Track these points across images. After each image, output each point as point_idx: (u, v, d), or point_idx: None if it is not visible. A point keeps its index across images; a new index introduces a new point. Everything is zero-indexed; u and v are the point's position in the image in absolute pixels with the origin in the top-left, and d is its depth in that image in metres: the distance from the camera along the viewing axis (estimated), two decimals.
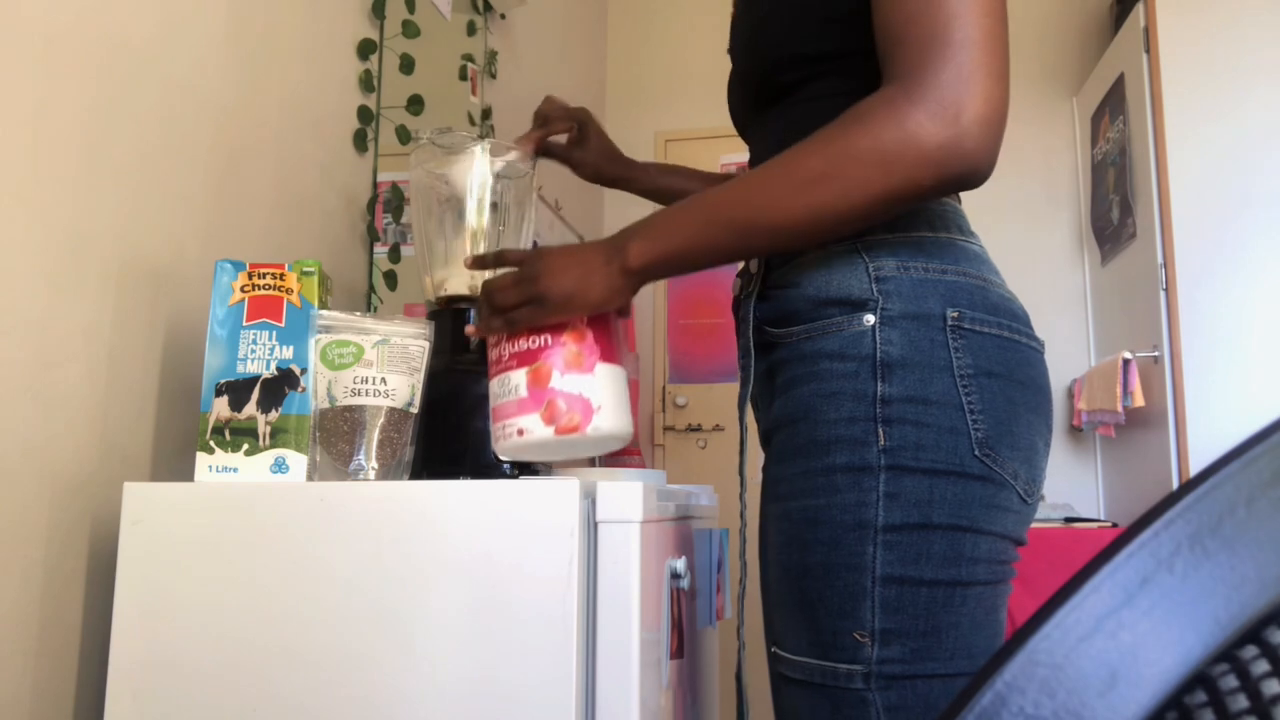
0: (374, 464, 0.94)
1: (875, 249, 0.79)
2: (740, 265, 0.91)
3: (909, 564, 0.73)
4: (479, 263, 0.92)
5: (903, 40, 0.71)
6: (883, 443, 0.74)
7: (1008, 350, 0.78)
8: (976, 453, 0.74)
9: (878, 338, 0.76)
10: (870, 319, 0.77)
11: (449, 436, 1.04)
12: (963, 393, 0.75)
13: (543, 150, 1.18)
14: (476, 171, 1.16)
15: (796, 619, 0.78)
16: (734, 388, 3.21)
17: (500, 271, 0.89)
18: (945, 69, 0.68)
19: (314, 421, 0.94)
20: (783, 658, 0.80)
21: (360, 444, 0.94)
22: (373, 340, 0.95)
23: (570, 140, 1.20)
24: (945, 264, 0.78)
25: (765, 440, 0.87)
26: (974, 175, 0.70)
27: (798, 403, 0.80)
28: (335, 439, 0.94)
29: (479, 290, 1.17)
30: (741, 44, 0.90)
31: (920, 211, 0.80)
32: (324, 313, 0.96)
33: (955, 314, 0.76)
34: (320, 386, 0.94)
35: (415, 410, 0.98)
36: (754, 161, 0.92)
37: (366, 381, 0.94)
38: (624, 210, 3.45)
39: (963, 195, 0.87)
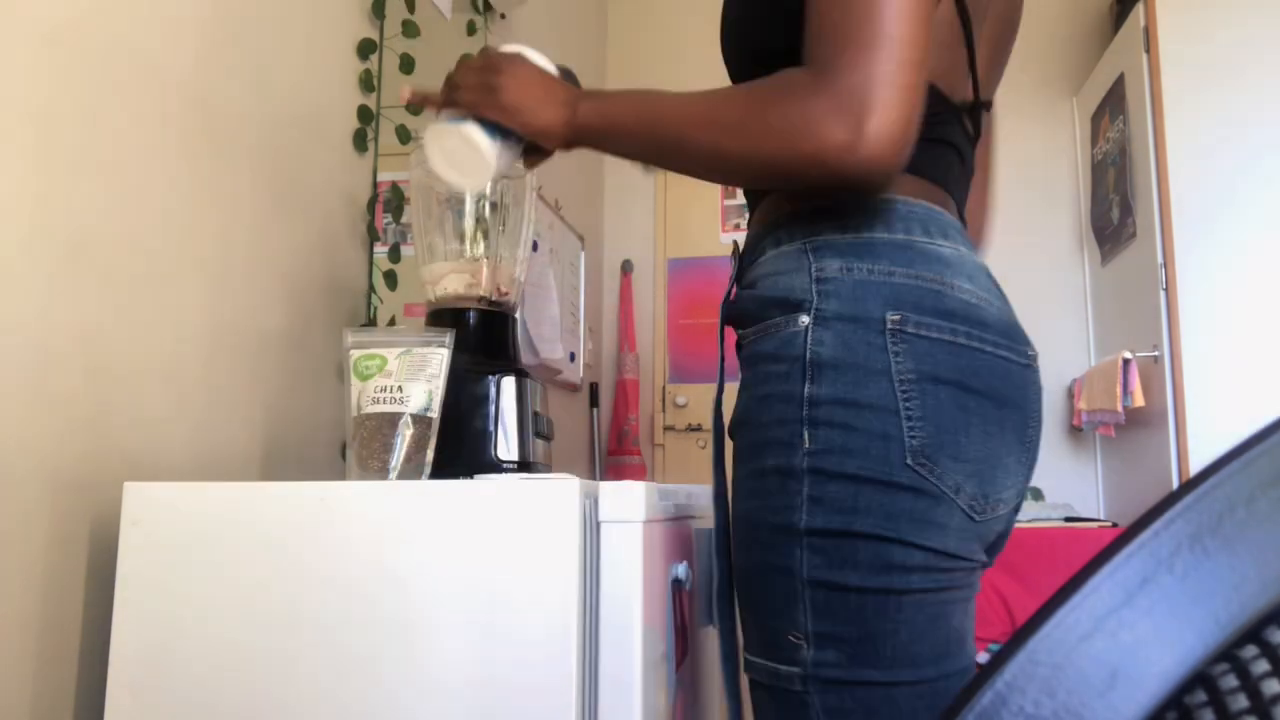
0: (394, 466, 0.97)
1: (822, 250, 0.78)
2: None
3: (834, 569, 0.72)
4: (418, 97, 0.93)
5: (822, 30, 0.71)
6: (807, 445, 0.73)
7: (962, 356, 0.74)
8: (909, 461, 0.71)
9: (809, 338, 0.75)
10: (805, 319, 0.75)
11: (448, 436, 1.04)
12: (901, 398, 0.72)
13: None
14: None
15: (748, 619, 0.80)
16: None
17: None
18: (854, 72, 0.68)
19: (350, 430, 1.00)
20: (747, 660, 0.81)
21: (379, 448, 0.97)
22: (396, 352, 1.00)
23: None
24: (895, 266, 0.76)
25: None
26: (867, 182, 0.70)
27: (743, 405, 0.81)
28: (361, 445, 0.99)
29: (477, 290, 1.17)
30: (723, 43, 0.91)
31: (879, 211, 0.78)
32: (358, 331, 1.02)
33: (896, 317, 0.74)
34: (353, 398, 1.00)
35: (433, 415, 0.99)
36: None
37: (385, 390, 0.98)
38: (624, 209, 3.45)
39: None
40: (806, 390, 0.74)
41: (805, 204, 0.80)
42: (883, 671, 0.71)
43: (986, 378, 0.75)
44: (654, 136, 0.79)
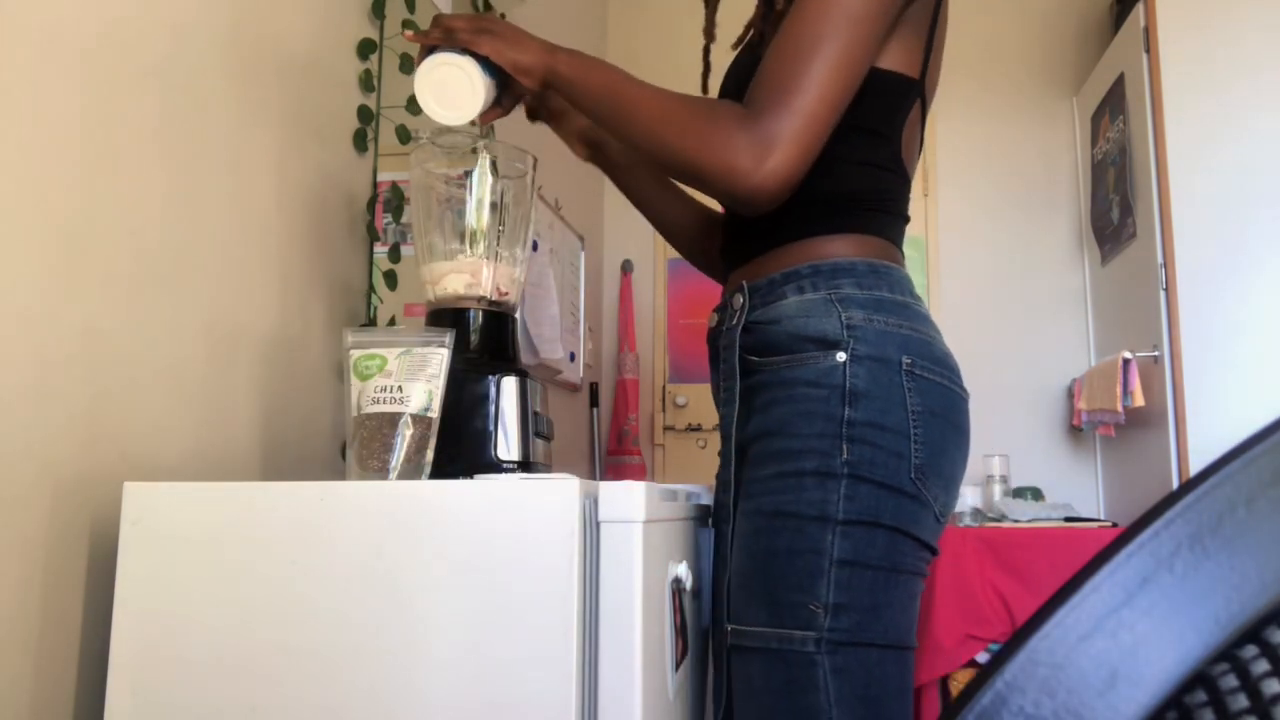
0: (394, 466, 0.97)
1: (846, 302, 0.94)
2: (719, 301, 1.07)
3: (860, 551, 0.89)
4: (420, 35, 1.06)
5: (762, 78, 0.91)
6: (845, 456, 0.89)
7: (947, 396, 0.94)
8: (911, 475, 0.90)
9: (848, 372, 0.91)
10: (842, 356, 0.91)
11: (448, 436, 1.04)
12: (912, 425, 0.90)
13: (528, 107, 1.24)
14: (477, 172, 1.17)
15: (759, 596, 0.92)
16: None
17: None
18: (772, 121, 0.87)
19: (350, 430, 0.99)
20: (741, 631, 0.93)
21: (379, 448, 0.97)
22: (396, 352, 1.00)
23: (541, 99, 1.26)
24: (900, 320, 0.94)
25: (740, 450, 1.00)
26: (748, 203, 0.90)
27: (776, 419, 0.94)
28: (361, 445, 0.99)
29: (477, 290, 1.18)
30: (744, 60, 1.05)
31: (883, 275, 0.96)
32: (358, 331, 1.02)
33: (909, 361, 0.92)
34: (353, 398, 1.00)
35: (433, 415, 0.99)
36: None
37: (385, 390, 0.99)
38: (624, 209, 3.45)
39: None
40: (846, 413, 0.90)
41: (827, 262, 0.96)
42: (879, 635, 0.89)
43: (956, 412, 0.95)
44: (613, 102, 0.96)
